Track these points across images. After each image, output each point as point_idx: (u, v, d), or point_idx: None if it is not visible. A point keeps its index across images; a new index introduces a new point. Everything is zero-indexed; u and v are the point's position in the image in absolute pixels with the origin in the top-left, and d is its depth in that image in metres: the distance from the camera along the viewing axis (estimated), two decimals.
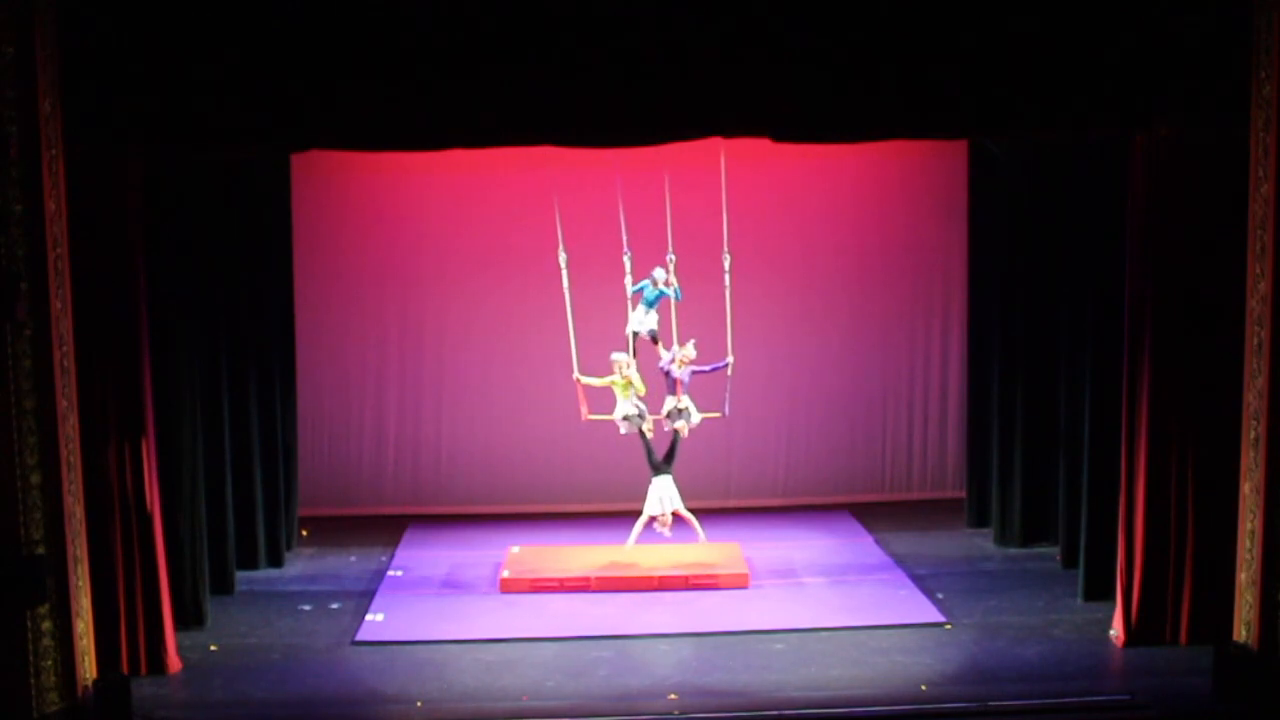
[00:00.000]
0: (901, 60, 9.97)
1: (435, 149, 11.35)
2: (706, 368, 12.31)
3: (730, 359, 12.31)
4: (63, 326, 9.20)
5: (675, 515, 12.39)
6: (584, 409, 12.46)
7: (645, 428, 12.30)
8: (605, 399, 12.48)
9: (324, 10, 9.77)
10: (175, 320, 11.22)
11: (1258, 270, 9.67)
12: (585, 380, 12.34)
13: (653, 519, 12.42)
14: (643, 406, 12.33)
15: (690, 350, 12.23)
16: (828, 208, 14.85)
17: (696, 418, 12.37)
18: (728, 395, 12.43)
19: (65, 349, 9.23)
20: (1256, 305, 9.69)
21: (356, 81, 9.84)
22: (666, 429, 12.42)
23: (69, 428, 9.27)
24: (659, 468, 12.44)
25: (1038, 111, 10.19)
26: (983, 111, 10.25)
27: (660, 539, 12.76)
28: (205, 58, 9.70)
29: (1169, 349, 10.41)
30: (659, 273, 12.28)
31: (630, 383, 12.23)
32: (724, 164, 12.02)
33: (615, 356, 12.25)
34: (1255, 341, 9.71)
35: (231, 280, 12.38)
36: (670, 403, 12.32)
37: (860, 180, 14.75)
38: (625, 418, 12.29)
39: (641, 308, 12.36)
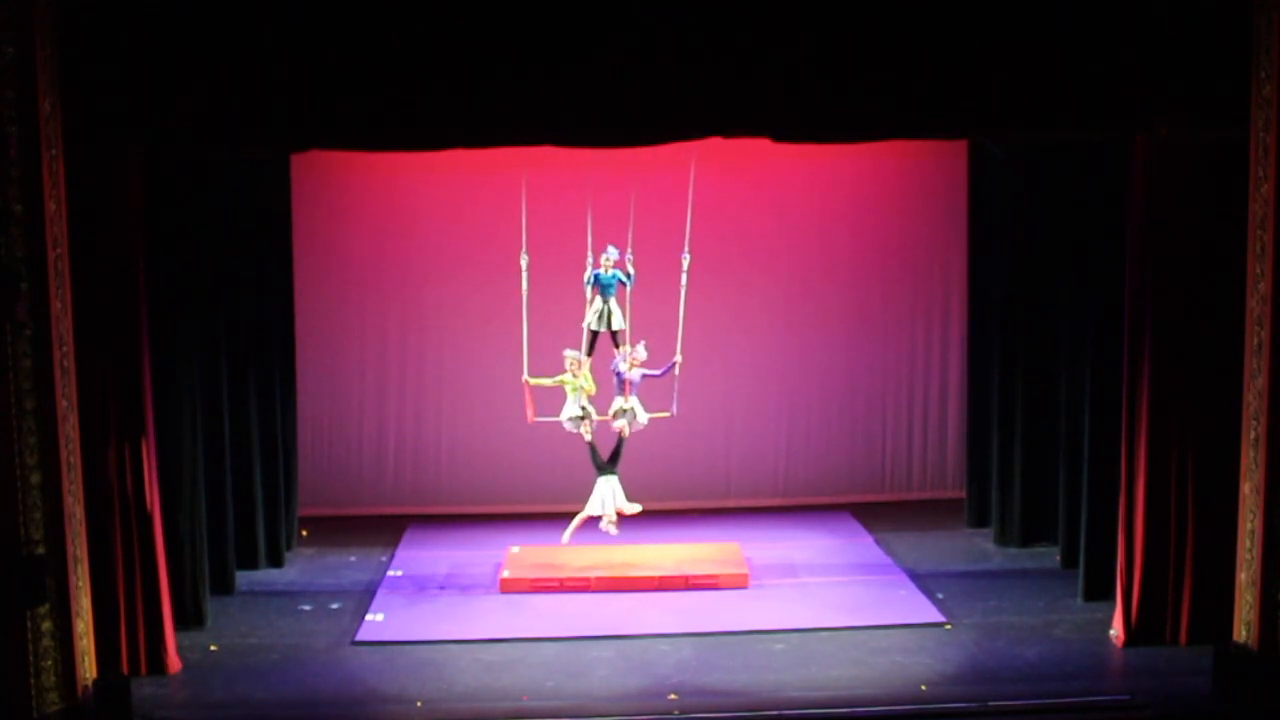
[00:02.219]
0: (902, 60, 9.98)
1: (435, 149, 11.35)
2: (657, 371, 12.21)
3: (678, 358, 12.24)
4: (63, 326, 9.20)
5: (620, 514, 12.31)
6: (530, 411, 12.40)
7: (584, 430, 12.24)
8: (555, 401, 12.44)
9: (323, 11, 9.77)
10: (175, 320, 11.23)
11: (1258, 270, 9.67)
12: (535, 381, 12.30)
13: (595, 519, 12.34)
14: (590, 408, 12.27)
15: (641, 351, 12.17)
16: (828, 208, 14.84)
17: (644, 418, 12.30)
18: (675, 394, 12.36)
19: (65, 349, 9.23)
20: (1256, 305, 9.69)
21: (356, 81, 9.84)
22: (614, 428, 12.33)
23: (69, 428, 9.28)
24: (604, 468, 12.38)
25: (1038, 111, 10.19)
26: (983, 111, 10.25)
27: (658, 539, 12.83)
28: (206, 58, 9.70)
29: (1169, 349, 10.41)
30: (611, 251, 12.07)
31: (579, 382, 12.17)
32: (694, 166, 11.98)
33: (567, 353, 12.20)
34: (1255, 341, 9.72)
35: (231, 280, 12.38)
36: (617, 403, 12.28)
37: (860, 180, 14.74)
38: (570, 419, 12.25)
39: (599, 299, 12.18)
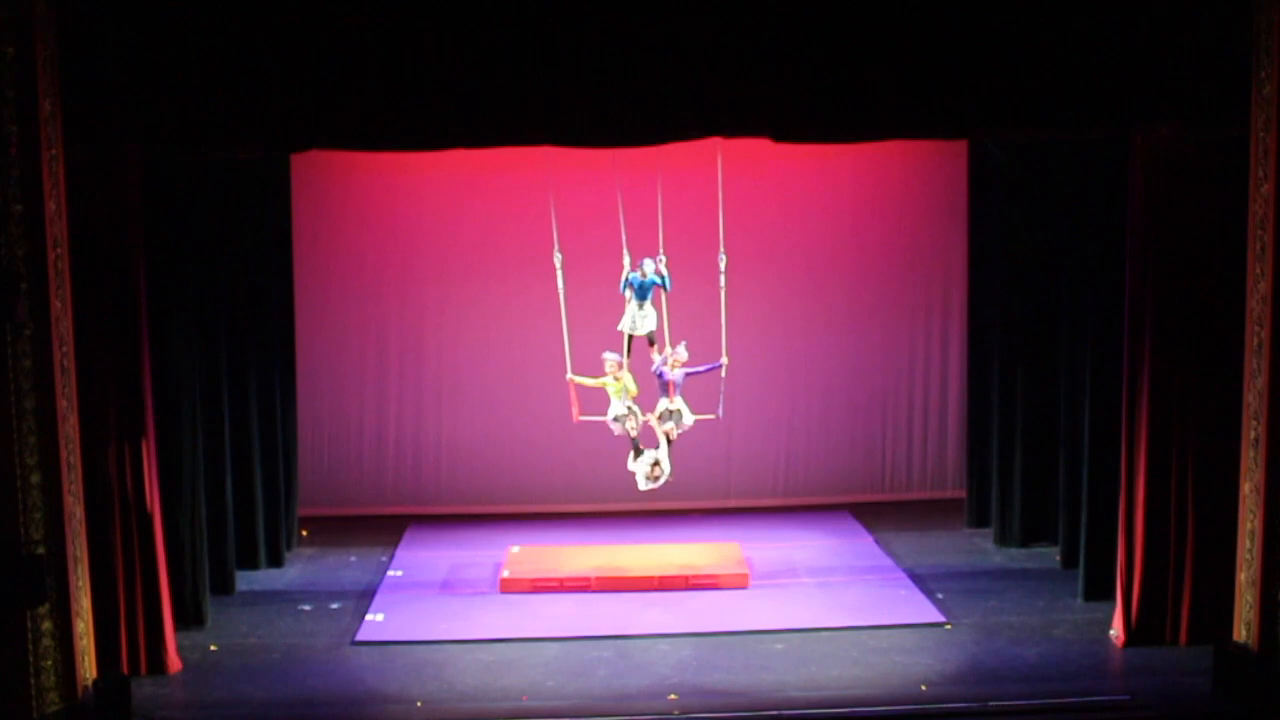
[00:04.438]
0: (902, 60, 9.98)
1: (435, 149, 11.35)
2: (700, 369, 12.19)
3: (724, 360, 12.21)
4: (63, 326, 9.20)
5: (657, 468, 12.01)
6: (575, 410, 12.37)
7: (631, 426, 12.14)
8: (598, 400, 12.42)
9: (324, 11, 9.77)
10: (175, 320, 11.23)
11: (1258, 270, 9.67)
12: (579, 380, 12.27)
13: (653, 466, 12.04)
14: (635, 408, 12.23)
15: (682, 352, 12.14)
16: (828, 208, 14.85)
17: (690, 419, 12.23)
18: (722, 397, 12.33)
19: (65, 349, 9.23)
20: (1256, 305, 9.69)
21: (356, 81, 9.84)
22: (659, 431, 12.25)
23: (69, 428, 9.27)
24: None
25: (1038, 111, 10.19)
26: (983, 111, 10.25)
27: (658, 539, 12.95)
28: (205, 58, 9.70)
29: (1169, 349, 10.41)
30: (648, 263, 12.10)
31: (623, 384, 12.16)
32: (720, 165, 11.96)
33: (607, 355, 12.18)
34: (1255, 341, 9.72)
35: (231, 280, 12.38)
36: (662, 404, 12.22)
37: (860, 180, 14.74)
38: (616, 418, 12.20)
39: (634, 302, 12.17)
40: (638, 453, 12.17)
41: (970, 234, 14.23)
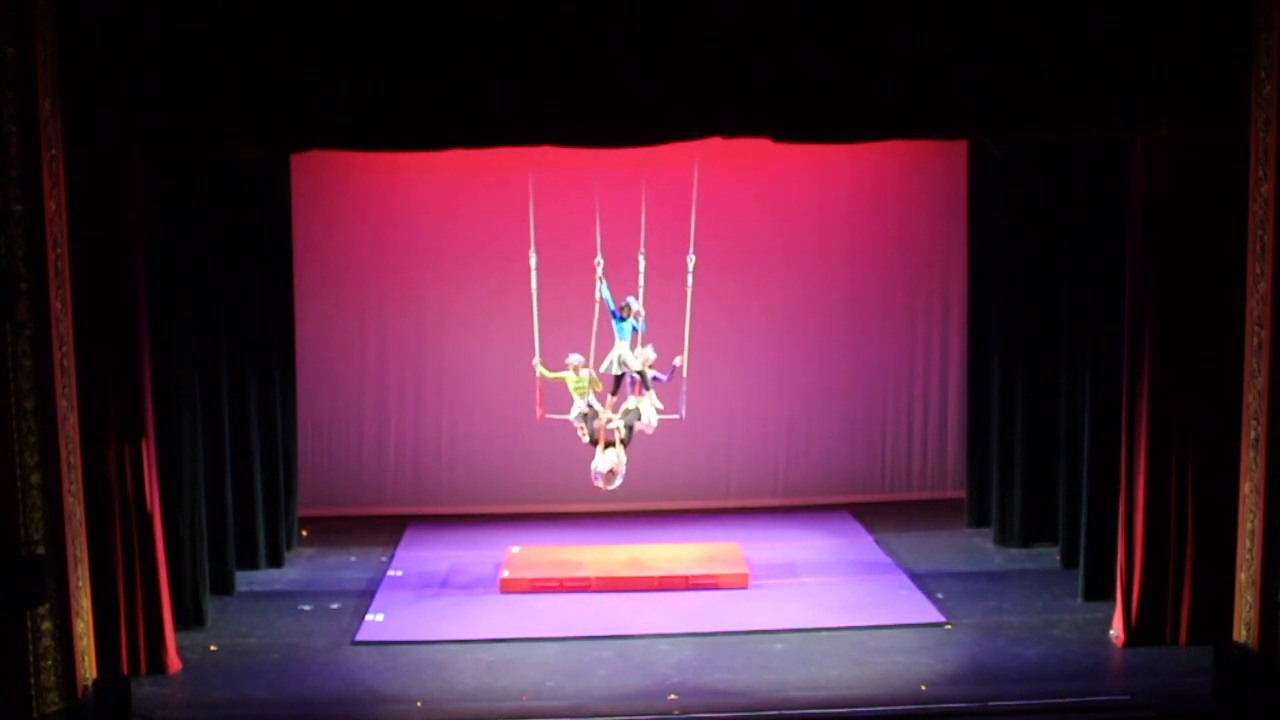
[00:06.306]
0: (901, 60, 9.98)
1: (435, 149, 11.34)
2: (664, 376, 12.03)
3: (677, 361, 12.05)
4: (63, 326, 9.20)
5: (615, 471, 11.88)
6: (539, 409, 12.25)
7: (594, 426, 11.97)
8: (565, 400, 12.35)
9: (324, 11, 9.77)
10: (175, 320, 11.23)
11: (1258, 270, 9.67)
12: (541, 370, 12.14)
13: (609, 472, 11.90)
14: (597, 406, 12.15)
15: (650, 353, 12.11)
16: (828, 208, 14.84)
17: (653, 419, 12.10)
18: (683, 397, 12.21)
19: (65, 349, 9.22)
20: (1256, 305, 9.69)
21: (356, 81, 9.84)
22: (610, 424, 11.92)
23: (69, 428, 9.27)
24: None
25: (1038, 111, 10.19)
26: (983, 111, 10.25)
27: (659, 539, 12.92)
28: (205, 58, 9.70)
29: (1169, 349, 10.42)
30: (632, 302, 12.04)
31: (584, 381, 12.03)
32: (697, 167, 11.84)
33: (572, 358, 12.02)
34: (1255, 341, 9.72)
35: (231, 280, 12.38)
36: (627, 403, 12.16)
37: (860, 180, 14.74)
38: (580, 416, 12.12)
39: (620, 343, 11.96)
40: (604, 446, 12.00)
41: (970, 234, 14.23)
